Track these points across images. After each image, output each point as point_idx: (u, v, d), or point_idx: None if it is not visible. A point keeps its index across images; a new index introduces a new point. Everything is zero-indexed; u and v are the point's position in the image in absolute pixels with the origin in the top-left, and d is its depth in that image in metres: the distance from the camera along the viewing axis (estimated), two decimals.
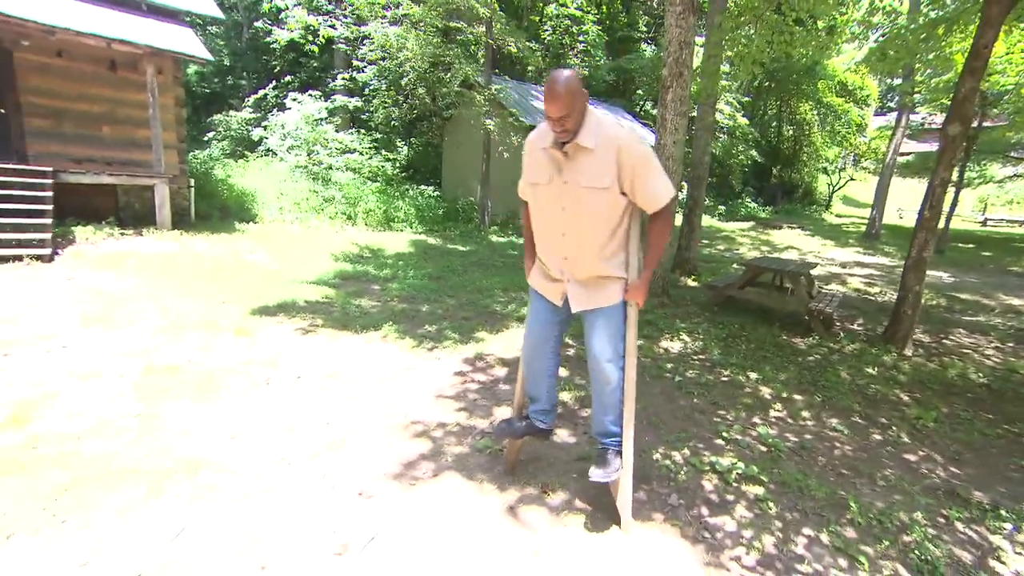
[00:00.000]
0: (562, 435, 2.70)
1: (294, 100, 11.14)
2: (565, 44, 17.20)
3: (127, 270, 5.10)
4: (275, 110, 12.27)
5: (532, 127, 11.30)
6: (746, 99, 18.33)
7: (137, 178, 7.24)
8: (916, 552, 1.97)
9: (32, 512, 1.69)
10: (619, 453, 1.97)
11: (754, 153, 17.69)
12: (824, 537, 2.04)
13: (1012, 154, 16.71)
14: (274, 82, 14.07)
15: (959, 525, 2.19)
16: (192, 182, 8.52)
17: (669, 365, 3.82)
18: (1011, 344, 5.14)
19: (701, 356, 4.11)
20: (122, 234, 6.79)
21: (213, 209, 8.93)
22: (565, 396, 3.16)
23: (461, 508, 2.00)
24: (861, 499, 2.30)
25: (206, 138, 14.00)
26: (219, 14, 8.73)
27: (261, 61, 16.27)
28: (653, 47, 18.60)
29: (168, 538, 1.65)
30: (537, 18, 16.98)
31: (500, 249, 9.11)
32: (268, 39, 12.70)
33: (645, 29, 20.33)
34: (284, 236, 7.85)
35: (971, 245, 14.51)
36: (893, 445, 2.90)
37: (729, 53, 6.98)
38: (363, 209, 10.26)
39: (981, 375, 4.09)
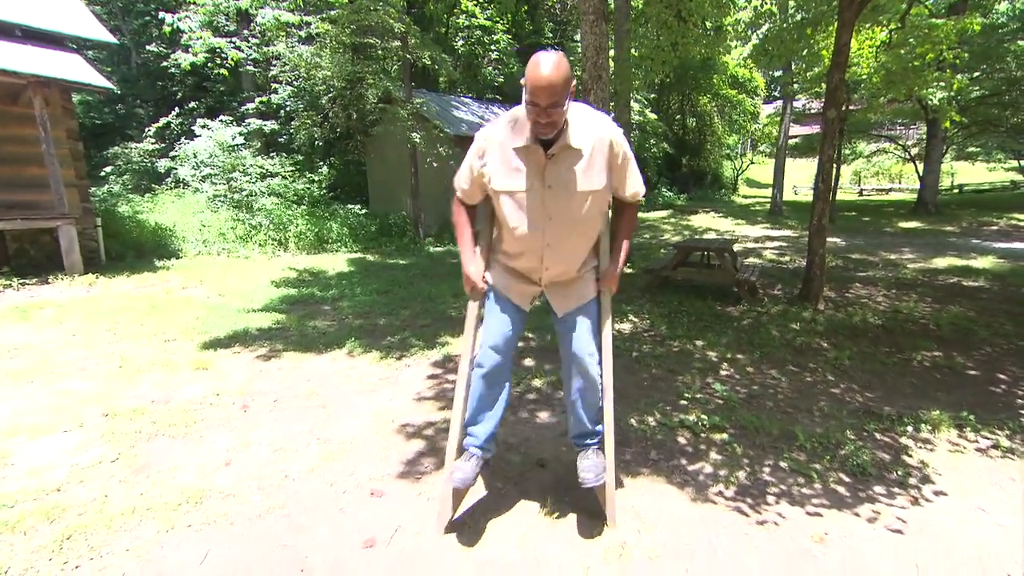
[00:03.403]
0: (543, 416, 2.89)
1: (203, 127, 10.54)
2: (477, 54, 17.58)
3: (44, 321, 4.67)
4: (182, 138, 11.52)
5: (457, 137, 11.57)
6: (652, 96, 19.65)
7: (35, 221, 6.58)
8: (851, 460, 2.36)
9: (38, 563, 1.61)
10: (599, 449, 1.90)
11: (665, 145, 19.00)
12: (783, 463, 2.38)
13: (874, 132, 19.30)
14: (177, 109, 13.18)
15: (877, 434, 2.65)
16: (99, 221, 7.85)
17: (625, 343, 4.13)
18: (894, 291, 6.04)
19: (651, 332, 4.47)
20: (23, 284, 6.17)
21: (126, 248, 8.28)
22: (537, 382, 3.35)
23: (471, 490, 2.12)
24: (805, 429, 2.68)
25: (102, 173, 12.82)
26: (109, 38, 8.11)
27: (157, 88, 15.16)
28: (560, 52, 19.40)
29: (194, 564, 1.65)
30: (444, 29, 17.21)
31: (440, 259, 9.19)
32: (165, 64, 11.89)
33: (551, 36, 21.19)
34: (215, 268, 7.44)
35: (853, 213, 16.51)
36: (821, 383, 3.38)
37: (635, 55, 7.60)
38: (293, 233, 9.93)
39: (877, 318, 4.80)
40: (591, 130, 1.58)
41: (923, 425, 2.72)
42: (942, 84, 8.17)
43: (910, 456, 2.45)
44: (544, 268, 1.75)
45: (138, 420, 2.65)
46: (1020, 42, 11.76)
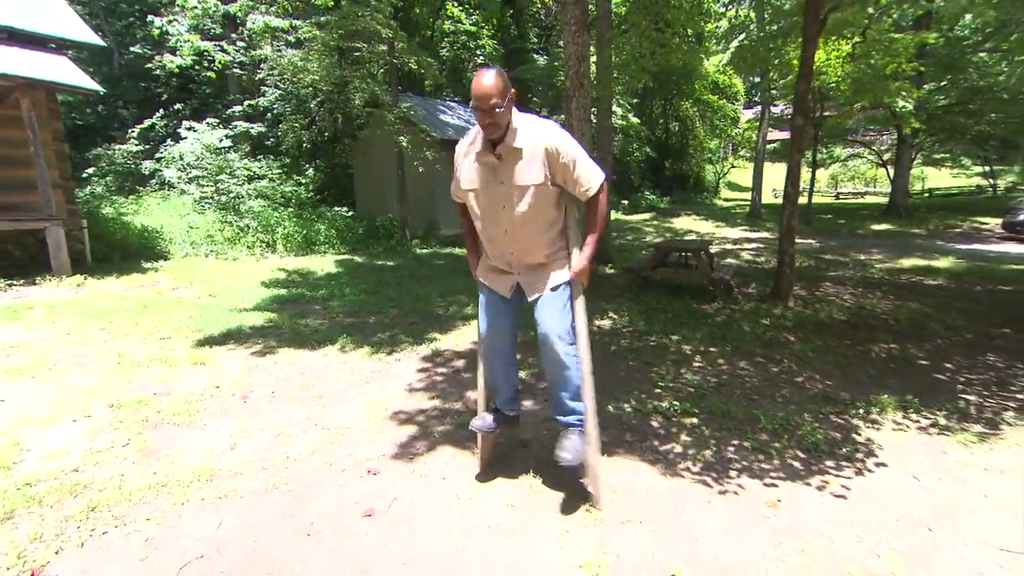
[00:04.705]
0: (526, 404, 3.09)
1: (189, 129, 10.57)
2: (463, 59, 17.79)
3: (35, 320, 4.73)
4: (167, 140, 11.51)
5: (443, 141, 11.74)
6: (635, 100, 20.05)
7: (21, 222, 6.60)
8: (807, 439, 2.61)
9: (69, 530, 1.76)
10: (582, 432, 2.04)
11: (647, 149, 19.39)
12: (746, 443, 2.62)
13: (849, 138, 19.95)
14: (161, 111, 13.14)
15: (832, 417, 2.91)
16: (85, 223, 7.87)
17: (604, 339, 4.36)
18: (860, 289, 6.39)
19: (629, 328, 4.71)
20: (9, 285, 6.20)
21: (111, 250, 8.29)
22: (521, 374, 3.55)
23: (460, 467, 2.33)
24: (767, 413, 2.93)
25: (85, 174, 12.73)
26: (96, 40, 8.13)
27: (140, 89, 15.07)
28: (545, 57, 19.73)
29: (211, 530, 1.81)
30: (430, 33, 17.39)
31: (426, 260, 9.34)
32: (150, 65, 11.88)
33: (536, 40, 21.50)
34: (203, 270, 7.51)
35: (829, 216, 17.08)
36: (786, 373, 3.64)
37: (616, 61, 7.87)
38: (281, 235, 10.01)
39: (842, 314, 5.11)
40: (531, 135, 1.86)
41: (872, 408, 2.99)
42: (903, 93, 8.61)
43: (859, 435, 2.71)
44: (509, 253, 2.01)
45: (143, 410, 2.79)
46: (981, 54, 12.37)
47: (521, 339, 4.32)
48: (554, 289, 2.00)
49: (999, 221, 12.47)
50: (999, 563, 1.75)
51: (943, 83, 13.86)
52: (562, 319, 1.98)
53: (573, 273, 2.01)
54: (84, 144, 14.45)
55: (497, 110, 1.75)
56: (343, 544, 1.79)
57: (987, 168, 22.68)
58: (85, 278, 6.57)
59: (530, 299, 2.04)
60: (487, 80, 1.75)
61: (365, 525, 1.90)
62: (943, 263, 8.21)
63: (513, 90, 1.82)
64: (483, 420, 2.18)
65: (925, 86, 12.51)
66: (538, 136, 1.86)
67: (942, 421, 2.82)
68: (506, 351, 2.15)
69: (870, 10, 5.07)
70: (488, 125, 1.79)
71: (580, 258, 2.01)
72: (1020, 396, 3.19)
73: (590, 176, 1.94)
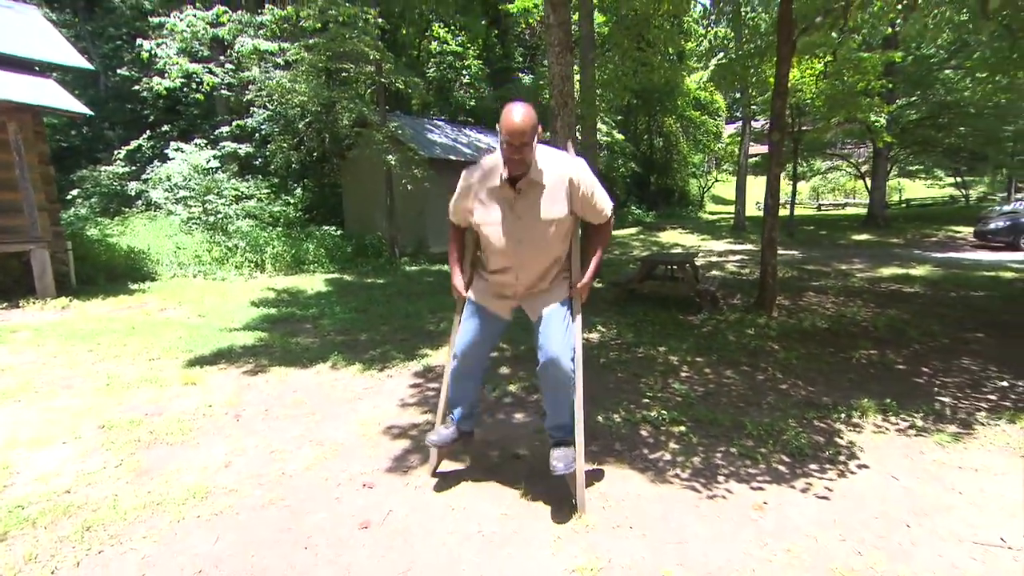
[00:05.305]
0: (519, 417, 3.14)
1: (176, 150, 10.59)
2: (449, 78, 18.09)
3: (21, 343, 4.68)
4: (154, 161, 11.51)
5: (431, 160, 11.88)
6: (619, 117, 20.48)
7: (9, 245, 6.54)
8: (791, 444, 2.69)
9: (63, 550, 1.75)
10: (572, 443, 2.09)
11: (633, 165, 19.76)
12: (733, 449, 2.68)
13: (828, 151, 20.53)
14: (148, 132, 13.15)
15: (815, 421, 2.99)
16: (70, 244, 7.81)
17: (593, 351, 4.43)
18: (842, 298, 6.56)
19: (617, 341, 4.79)
20: None
21: (96, 272, 8.22)
22: (512, 387, 3.60)
23: (454, 479, 2.36)
24: (753, 420, 3.01)
25: (69, 196, 12.63)
26: (82, 63, 8.18)
27: (126, 110, 15.07)
28: (530, 76, 20.11)
29: (208, 546, 1.82)
30: (416, 53, 17.69)
31: (416, 278, 9.38)
32: (137, 87, 11.93)
33: (521, 60, 21.93)
34: (192, 290, 7.48)
35: (812, 227, 17.47)
36: (771, 380, 3.74)
37: (600, 79, 8.10)
38: (270, 255, 10.00)
39: (824, 322, 5.24)
40: (553, 168, 1.90)
41: (854, 412, 3.09)
42: (875, 109, 8.97)
43: (841, 438, 2.80)
44: (518, 283, 2.06)
45: (135, 431, 2.78)
46: (947, 71, 12.91)
47: (512, 353, 4.41)
48: (557, 306, 2.05)
49: (972, 230, 12.88)
50: (973, 556, 1.82)
51: (913, 98, 14.40)
52: (565, 338, 2.01)
53: (575, 289, 2.08)
54: (69, 166, 14.35)
55: (527, 147, 1.76)
56: (340, 556, 1.81)
57: (959, 179, 23.43)
58: (70, 300, 6.51)
59: (533, 319, 2.09)
60: (519, 117, 1.72)
61: (361, 537, 1.92)
62: (920, 271, 8.46)
63: (540, 125, 1.83)
64: (439, 435, 2.25)
65: (897, 101, 12.98)
66: (561, 169, 1.89)
67: (919, 423, 2.92)
68: (480, 369, 2.23)
69: (833, 35, 5.35)
70: (516, 160, 1.79)
71: (584, 277, 2.09)
72: (992, 397, 3.32)
73: (605, 202, 2.05)
